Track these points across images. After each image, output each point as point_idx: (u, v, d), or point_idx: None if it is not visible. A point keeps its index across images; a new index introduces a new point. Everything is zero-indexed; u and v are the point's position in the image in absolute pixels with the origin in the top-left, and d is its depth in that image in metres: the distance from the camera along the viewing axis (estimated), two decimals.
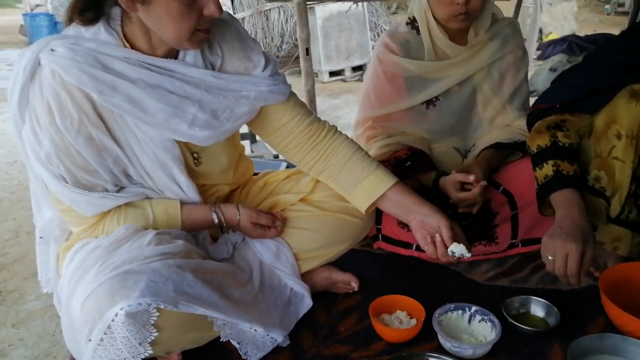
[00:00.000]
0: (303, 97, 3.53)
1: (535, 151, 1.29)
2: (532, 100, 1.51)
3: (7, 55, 12.89)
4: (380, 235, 1.53)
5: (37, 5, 13.36)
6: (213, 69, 1.14)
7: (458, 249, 1.14)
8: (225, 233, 1.27)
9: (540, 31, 8.04)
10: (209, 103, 1.10)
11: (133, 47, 1.05)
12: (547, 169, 1.25)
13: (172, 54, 1.10)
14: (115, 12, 1.04)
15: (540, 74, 2.78)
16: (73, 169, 1.02)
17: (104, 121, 1.04)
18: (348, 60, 7.94)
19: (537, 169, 1.28)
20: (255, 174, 1.46)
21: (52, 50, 0.98)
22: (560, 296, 1.33)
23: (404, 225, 1.42)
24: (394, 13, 10.85)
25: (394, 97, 1.56)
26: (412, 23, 1.56)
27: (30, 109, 0.99)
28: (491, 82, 1.56)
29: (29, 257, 2.95)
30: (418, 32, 1.54)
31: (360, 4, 7.49)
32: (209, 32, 1.07)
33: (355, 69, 8.00)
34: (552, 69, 2.74)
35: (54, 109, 0.98)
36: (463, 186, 1.40)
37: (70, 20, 1.05)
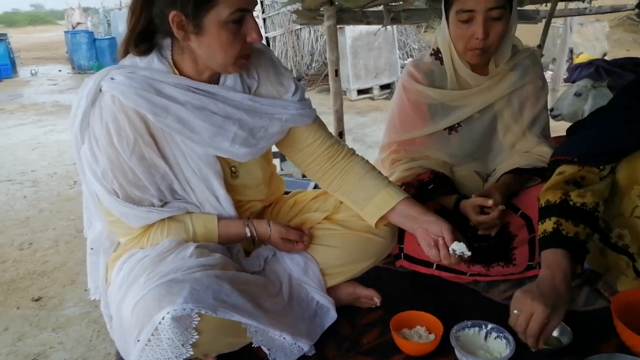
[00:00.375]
0: (331, 116, 3.63)
1: (543, 205, 1.28)
2: (557, 124, 1.56)
3: (49, 70, 13.42)
4: (402, 254, 1.60)
5: (78, 24, 13.92)
6: (250, 91, 1.26)
7: (459, 247, 1.20)
8: (257, 247, 1.37)
9: (571, 51, 7.99)
10: (247, 123, 1.22)
11: (181, 73, 1.18)
12: (548, 225, 1.23)
13: (214, 79, 1.23)
14: (166, 42, 1.18)
15: (565, 98, 2.81)
16: (125, 185, 1.14)
17: (156, 141, 1.16)
18: (376, 78, 8.01)
19: (539, 223, 1.27)
20: (286, 193, 1.57)
21: (111, 78, 1.11)
22: (575, 317, 1.37)
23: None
24: (424, 31, 10.90)
25: (417, 123, 1.65)
26: (436, 54, 1.64)
27: (90, 130, 1.12)
28: (511, 110, 1.63)
29: (68, 265, 3.11)
30: (441, 62, 1.62)
31: None
32: (249, 58, 1.19)
33: (384, 87, 8.07)
34: (576, 94, 2.77)
35: (112, 131, 1.10)
36: (482, 209, 1.46)
37: (125, 52, 1.18)
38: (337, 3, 3.36)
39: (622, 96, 1.32)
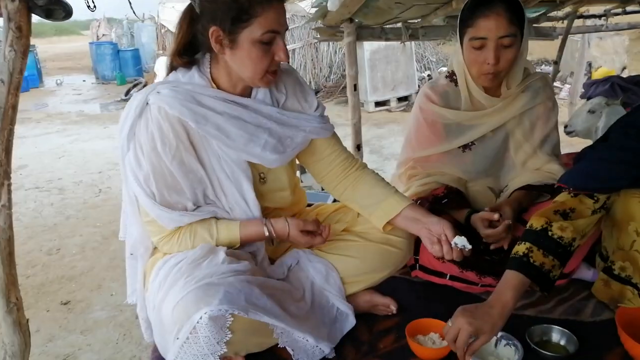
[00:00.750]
0: (349, 129, 3.72)
1: (527, 227, 1.34)
2: (570, 140, 1.61)
3: (73, 80, 13.75)
4: (417, 264, 1.68)
5: (103, 35, 14.28)
6: (278, 104, 1.39)
7: (460, 240, 1.30)
8: (275, 246, 1.46)
9: (590, 65, 7.98)
10: (277, 132, 1.35)
11: (218, 87, 1.32)
12: (521, 248, 1.29)
13: (247, 92, 1.36)
14: (205, 58, 1.31)
15: (579, 115, 2.86)
16: (163, 188, 1.26)
17: (195, 148, 1.29)
18: (394, 91, 8.08)
19: (518, 242, 1.33)
20: (308, 205, 1.67)
21: (158, 92, 1.25)
22: (581, 327, 1.44)
23: (439, 257, 1.57)
24: (442, 44, 10.96)
25: (433, 141, 1.74)
26: (451, 76, 1.74)
27: (136, 139, 1.24)
28: (523, 129, 1.71)
29: (94, 270, 3.24)
30: (456, 84, 1.71)
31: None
32: (276, 75, 1.31)
33: (401, 99, 8.14)
34: (590, 111, 2.82)
35: (157, 138, 1.23)
36: (491, 223, 1.54)
37: (171, 69, 1.32)
38: (357, 20, 3.47)
39: (619, 134, 1.35)
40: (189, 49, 1.30)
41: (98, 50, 12.73)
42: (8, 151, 1.87)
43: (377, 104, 7.98)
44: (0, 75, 1.81)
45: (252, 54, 1.22)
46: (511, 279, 1.24)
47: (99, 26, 15.10)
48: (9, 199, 1.90)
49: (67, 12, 1.97)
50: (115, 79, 12.30)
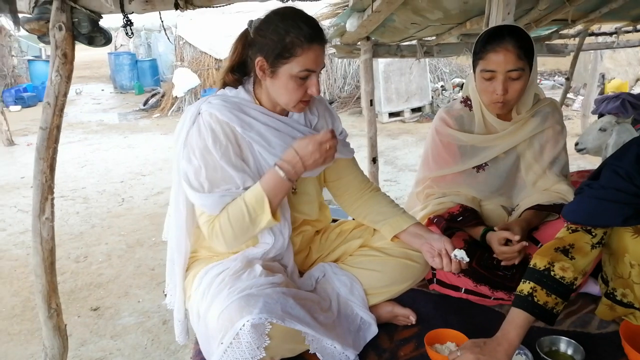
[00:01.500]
0: (363, 140, 3.84)
1: (531, 266, 1.40)
2: (581, 159, 1.68)
3: (92, 89, 14.01)
4: (435, 279, 1.79)
5: (121, 45, 14.55)
6: (311, 125, 1.55)
7: (459, 253, 1.42)
8: (296, 188, 1.55)
9: (603, 77, 8.02)
10: None
11: (260, 104, 1.48)
12: (526, 287, 1.36)
13: (285, 113, 1.51)
14: (250, 80, 1.48)
15: (589, 133, 2.94)
16: (213, 178, 1.38)
17: (241, 150, 1.43)
18: (407, 102, 8.16)
19: (522, 280, 1.39)
20: (334, 221, 1.80)
21: (209, 102, 1.41)
22: (588, 338, 1.54)
23: (440, 268, 1.68)
24: (455, 57, 11.01)
25: (449, 162, 1.85)
26: (466, 101, 1.86)
27: (188, 144, 1.39)
28: (533, 151, 1.81)
29: (121, 278, 3.37)
30: (470, 109, 1.83)
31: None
32: (308, 103, 1.47)
33: (415, 110, 8.22)
34: (601, 129, 2.90)
35: (208, 137, 1.37)
36: (506, 242, 1.65)
37: (223, 84, 1.50)
38: (373, 38, 3.59)
39: (611, 173, 1.42)
40: (239, 68, 1.48)
41: (117, 60, 12.96)
42: (52, 168, 2.03)
43: (391, 114, 8.06)
44: (47, 99, 1.97)
45: (288, 86, 1.38)
46: (517, 317, 1.33)
47: (117, 36, 15.37)
48: (52, 212, 2.05)
49: (107, 39, 2.12)
50: (133, 88, 12.52)
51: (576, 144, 3.03)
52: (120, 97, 12.50)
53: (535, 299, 1.33)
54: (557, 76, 9.74)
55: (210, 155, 1.37)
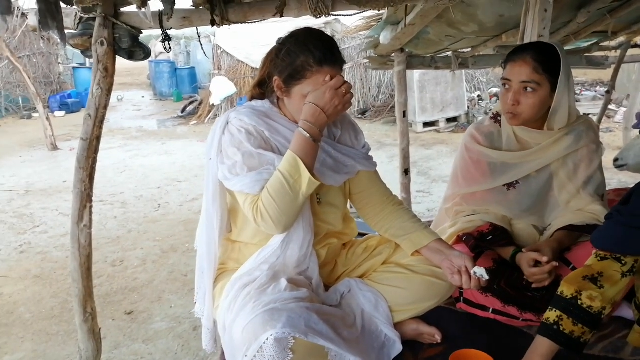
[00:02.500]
0: (396, 149, 3.83)
1: (558, 294, 1.38)
2: (622, 173, 1.62)
3: (133, 96, 14.43)
4: (462, 297, 1.77)
5: (161, 53, 14.93)
6: (334, 138, 1.59)
7: (479, 270, 1.41)
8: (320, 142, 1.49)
9: None
10: (333, 155, 1.55)
11: (285, 116, 1.53)
12: (552, 315, 1.34)
13: None
14: (274, 95, 1.53)
15: (631, 148, 2.82)
16: (250, 164, 1.43)
17: (270, 146, 1.48)
18: (443, 112, 8.08)
19: (549, 308, 1.37)
20: (361, 235, 1.80)
21: (237, 111, 1.49)
22: None
23: (483, 291, 1.66)
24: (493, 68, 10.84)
25: (478, 179, 1.83)
26: (496, 117, 1.84)
27: (223, 149, 1.46)
28: (566, 170, 1.78)
29: (155, 282, 3.45)
30: (501, 125, 1.82)
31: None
32: None
33: (450, 120, 8.14)
34: None
35: (242, 135, 1.43)
36: (536, 263, 1.62)
37: (252, 97, 1.58)
38: (407, 50, 3.58)
39: None
40: (265, 83, 1.55)
41: (157, 68, 13.32)
42: (91, 177, 2.10)
43: (426, 124, 8.00)
44: (88, 110, 2.05)
45: (301, 105, 1.42)
46: (541, 345, 1.32)
47: (157, 44, 15.79)
48: (90, 220, 2.13)
49: (146, 54, 2.20)
50: (172, 95, 12.84)
51: (615, 160, 2.92)
52: (160, 104, 12.83)
53: (561, 328, 1.31)
54: (599, 87, 9.47)
55: (245, 147, 1.43)
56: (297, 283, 1.46)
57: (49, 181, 6.05)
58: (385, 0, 1.87)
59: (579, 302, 1.32)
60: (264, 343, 1.24)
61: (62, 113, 10.99)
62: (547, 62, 1.65)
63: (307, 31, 1.47)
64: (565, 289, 1.36)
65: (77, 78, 12.92)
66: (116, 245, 4.10)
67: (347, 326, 1.45)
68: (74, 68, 13.32)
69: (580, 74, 10.50)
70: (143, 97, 14.16)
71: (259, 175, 1.41)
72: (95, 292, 3.28)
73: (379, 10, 2.29)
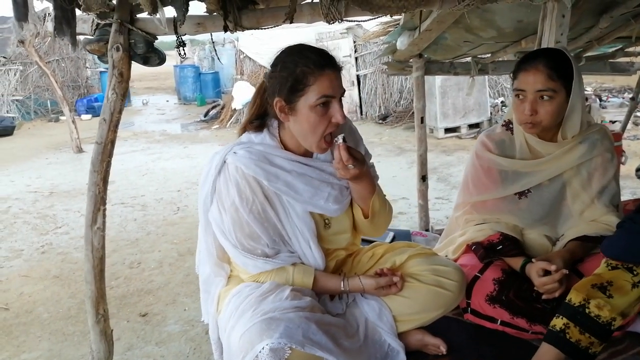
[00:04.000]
0: (415, 159, 3.79)
1: (566, 301, 1.37)
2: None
3: (158, 100, 14.67)
4: (469, 308, 1.72)
5: (187, 58, 15.16)
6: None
7: (340, 138, 1.40)
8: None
9: None
10: (337, 184, 1.50)
11: (286, 148, 1.49)
12: (559, 322, 1.32)
13: (310, 152, 1.51)
14: (274, 123, 1.48)
15: None
16: (242, 237, 1.43)
17: (269, 201, 1.45)
18: (464, 117, 7.99)
19: (556, 315, 1.36)
20: (367, 242, 1.79)
21: (234, 152, 1.43)
22: None
23: (491, 302, 1.62)
24: None
25: (489, 187, 1.80)
26: (507, 125, 1.81)
27: (217, 194, 1.44)
28: (580, 179, 1.73)
29: (171, 285, 3.48)
30: (512, 133, 1.78)
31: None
32: (331, 143, 1.45)
33: (472, 126, 8.04)
34: None
35: (235, 193, 1.41)
36: (546, 273, 1.58)
37: (243, 130, 1.50)
38: (425, 56, 3.55)
39: None
40: (259, 116, 1.51)
41: (181, 73, 13.52)
42: (105, 180, 2.13)
43: (447, 130, 7.92)
44: (103, 115, 2.08)
45: (310, 119, 1.39)
46: (546, 353, 1.29)
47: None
48: (104, 222, 2.16)
49: (161, 59, 2.22)
50: (195, 99, 13.00)
51: (637, 170, 2.85)
52: (183, 108, 13.01)
53: (568, 336, 1.27)
54: (626, 93, 9.24)
55: (238, 212, 1.42)
56: (302, 291, 1.46)
57: (73, 183, 6.17)
58: (398, 7, 1.85)
59: (587, 310, 1.29)
60: (260, 352, 1.23)
61: (89, 116, 11.22)
62: (560, 68, 1.62)
63: (300, 45, 1.45)
64: (573, 297, 1.33)
65: (104, 82, 13.17)
66: (135, 248, 4.16)
67: (349, 336, 1.43)
68: (101, 72, 13.60)
69: (607, 80, 10.29)
70: (167, 101, 14.37)
71: (263, 265, 1.46)
72: (112, 293, 3.37)
73: (391, 16, 2.27)
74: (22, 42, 7.39)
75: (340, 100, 1.43)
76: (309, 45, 1.43)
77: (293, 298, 1.37)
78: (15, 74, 11.42)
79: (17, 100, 11.33)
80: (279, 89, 1.39)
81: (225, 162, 1.44)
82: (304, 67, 1.37)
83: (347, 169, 1.39)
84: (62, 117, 10.46)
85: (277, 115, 1.43)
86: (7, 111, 11.11)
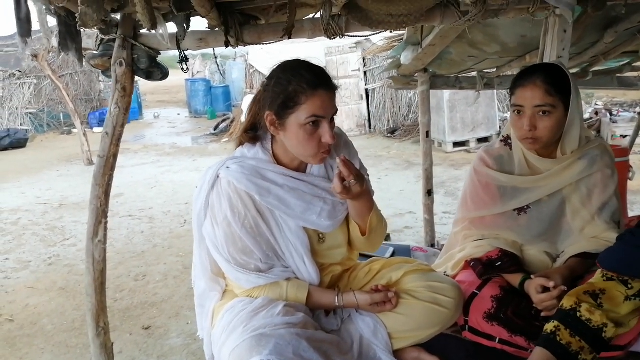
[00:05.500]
0: (421, 173, 3.78)
1: (558, 307, 1.38)
2: None
3: (169, 113, 14.82)
4: (467, 326, 1.68)
5: (198, 72, 15.34)
6: (332, 170, 1.52)
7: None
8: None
9: None
10: (331, 200, 1.49)
11: (279, 162, 1.48)
12: (550, 325, 1.33)
13: (304, 167, 1.52)
14: (267, 136, 1.49)
15: None
16: (234, 252, 1.43)
17: (261, 215, 1.45)
18: (473, 132, 7.98)
19: (549, 319, 1.37)
20: (365, 257, 1.77)
21: (227, 167, 1.43)
22: None
23: (489, 319, 1.60)
24: None
25: (487, 203, 1.78)
26: (506, 140, 1.80)
27: (210, 208, 1.43)
28: (580, 195, 1.71)
29: (175, 298, 3.49)
30: (511, 148, 1.77)
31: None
32: (329, 153, 1.45)
33: (481, 140, 8.02)
34: None
35: (227, 208, 1.41)
36: (545, 290, 1.55)
37: (239, 144, 1.50)
38: (430, 70, 3.56)
39: None
40: (253, 128, 1.51)
41: (193, 87, 13.67)
42: (107, 193, 2.14)
43: (456, 144, 7.91)
44: (105, 129, 2.11)
45: (299, 136, 1.39)
46: (536, 355, 1.28)
47: (194, 63, 16.20)
48: (105, 235, 2.17)
49: (164, 74, 2.25)
50: (206, 113, 13.12)
51: None
52: (194, 121, 13.13)
53: (558, 338, 1.27)
54: (638, 107, 9.16)
55: (231, 227, 1.42)
56: (296, 306, 1.45)
57: (82, 195, 6.23)
58: (398, 22, 1.86)
59: (578, 314, 1.29)
60: None
61: (101, 129, 11.31)
62: (558, 83, 1.61)
63: (297, 61, 1.45)
64: (566, 302, 1.34)
65: None
66: (140, 260, 4.18)
67: (342, 353, 1.42)
68: None
69: (619, 95, 10.21)
70: (179, 114, 14.51)
71: (256, 279, 1.45)
72: (116, 306, 3.38)
73: (391, 32, 2.28)
74: (35, 56, 7.52)
75: (332, 120, 1.42)
76: (306, 62, 1.44)
77: (285, 314, 1.36)
78: (29, 88, 11.62)
79: (30, 113, 11.52)
80: (270, 103, 1.40)
81: (218, 176, 1.44)
82: (296, 86, 1.37)
83: (346, 190, 1.38)
84: (74, 130, 10.59)
85: (267, 127, 1.44)
86: (21, 124, 11.29)
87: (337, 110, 1.44)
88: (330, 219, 1.50)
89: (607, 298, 1.32)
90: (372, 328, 1.51)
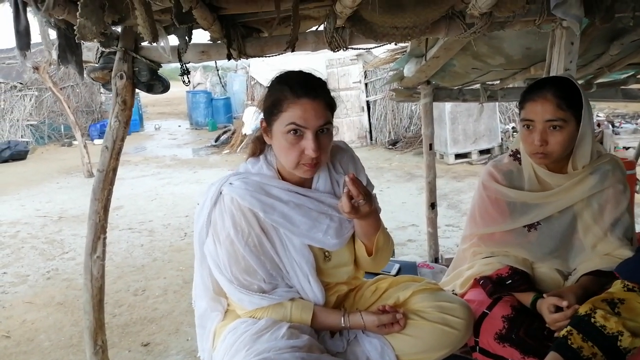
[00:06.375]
0: (424, 185, 3.74)
1: (575, 314, 1.36)
2: None
3: (170, 125, 14.82)
4: (477, 347, 1.64)
5: (199, 84, 15.38)
6: (339, 185, 1.48)
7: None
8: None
9: None
10: (337, 217, 1.45)
11: (283, 178, 1.44)
12: (563, 330, 1.31)
13: (309, 182, 1.47)
14: (272, 151, 1.45)
15: None
16: (237, 272, 1.38)
17: (265, 233, 1.40)
18: (475, 143, 7.95)
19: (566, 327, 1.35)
20: (372, 274, 1.72)
21: (230, 183, 1.39)
22: None
23: (501, 340, 1.55)
24: None
25: (496, 219, 1.74)
26: (515, 154, 1.76)
27: (212, 226, 1.39)
28: (591, 211, 1.67)
29: (175, 313, 3.42)
30: (520, 163, 1.73)
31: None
32: (315, 167, 1.39)
33: (483, 152, 7.99)
34: None
35: (230, 226, 1.36)
36: (557, 309, 1.50)
37: (252, 152, 1.51)
38: (433, 82, 3.53)
39: None
40: (260, 139, 1.49)
41: (194, 99, 13.70)
42: (106, 208, 2.10)
43: (458, 155, 7.88)
44: (105, 142, 2.07)
45: (281, 144, 1.37)
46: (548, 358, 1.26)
47: (195, 75, 16.24)
48: (103, 251, 2.12)
49: (165, 87, 2.21)
50: (207, 125, 13.12)
51: None
52: (195, 133, 13.12)
53: (570, 342, 1.26)
54: None
55: (234, 245, 1.38)
56: (300, 328, 1.40)
57: (82, 207, 6.18)
58: (402, 34, 1.83)
59: (592, 319, 1.28)
60: None
61: (101, 141, 11.32)
62: (569, 97, 1.57)
63: (294, 70, 1.44)
64: (581, 308, 1.33)
65: None
66: (140, 274, 4.12)
67: None
68: None
69: (620, 106, 10.21)
70: (179, 126, 14.52)
71: (259, 300, 1.41)
72: (115, 321, 3.32)
73: (395, 44, 2.26)
74: (36, 68, 7.52)
75: (324, 133, 1.37)
76: (300, 72, 1.42)
77: (289, 337, 1.31)
78: (30, 99, 11.63)
79: (31, 125, 11.51)
80: (263, 109, 1.42)
81: (221, 193, 1.41)
82: (280, 94, 1.36)
83: (354, 210, 1.35)
84: (74, 142, 10.59)
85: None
86: (21, 136, 11.28)
87: (327, 122, 1.37)
88: (337, 237, 1.46)
89: (625, 308, 1.29)
90: (379, 350, 1.45)
